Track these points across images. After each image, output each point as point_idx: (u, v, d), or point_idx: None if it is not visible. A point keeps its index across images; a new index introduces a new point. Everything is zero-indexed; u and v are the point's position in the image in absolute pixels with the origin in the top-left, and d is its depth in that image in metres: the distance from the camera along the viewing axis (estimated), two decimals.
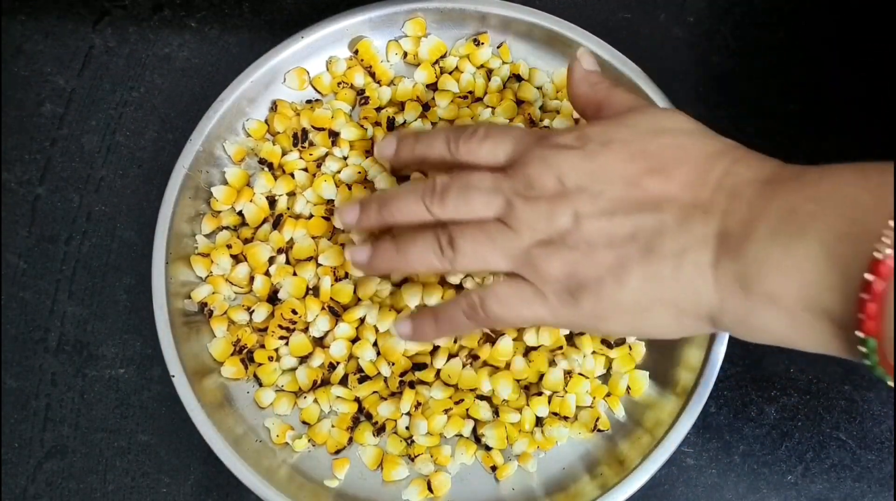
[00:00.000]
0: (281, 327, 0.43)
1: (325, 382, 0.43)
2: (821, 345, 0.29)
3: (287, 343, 0.43)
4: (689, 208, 0.32)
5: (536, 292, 0.34)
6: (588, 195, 0.33)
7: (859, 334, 0.27)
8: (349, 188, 0.45)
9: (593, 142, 0.34)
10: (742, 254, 0.30)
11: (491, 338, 0.43)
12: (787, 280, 0.29)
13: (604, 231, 0.33)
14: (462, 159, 0.37)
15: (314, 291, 0.44)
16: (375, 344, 0.43)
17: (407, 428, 0.42)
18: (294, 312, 0.42)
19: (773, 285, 0.29)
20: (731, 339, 0.40)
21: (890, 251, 0.26)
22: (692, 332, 0.33)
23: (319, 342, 0.43)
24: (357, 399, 0.43)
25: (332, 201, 0.45)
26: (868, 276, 0.26)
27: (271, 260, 0.44)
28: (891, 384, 0.27)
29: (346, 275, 0.44)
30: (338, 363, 0.43)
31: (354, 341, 0.43)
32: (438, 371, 0.42)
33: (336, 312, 0.43)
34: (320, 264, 0.44)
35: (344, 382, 0.43)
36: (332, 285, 0.43)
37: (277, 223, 0.45)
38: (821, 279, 0.28)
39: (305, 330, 0.43)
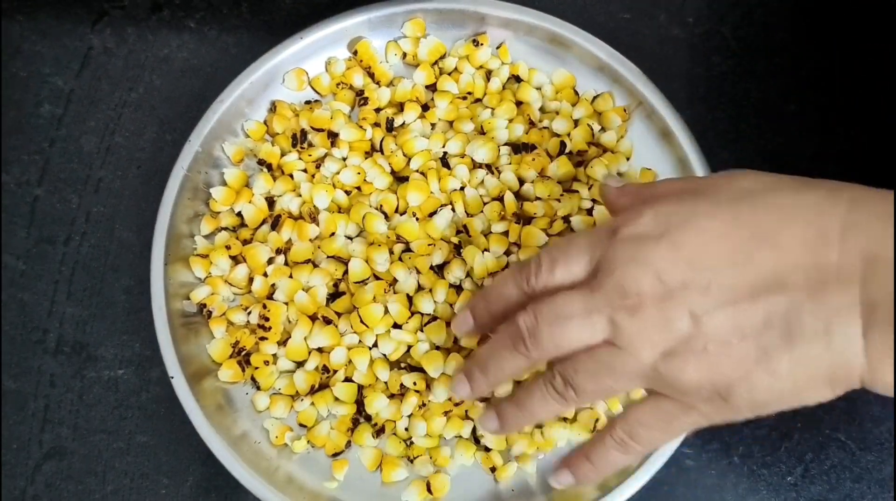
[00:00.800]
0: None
1: (324, 386, 0.43)
2: None
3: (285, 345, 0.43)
4: (817, 275, 0.29)
5: (682, 406, 0.32)
6: (697, 289, 0.30)
7: None
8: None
9: (674, 223, 0.31)
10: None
11: None
12: None
13: (731, 325, 0.29)
14: (540, 292, 0.34)
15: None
16: (376, 345, 0.43)
17: (406, 430, 0.42)
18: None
19: None
20: None
21: None
22: (842, 392, 0.31)
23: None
24: (357, 401, 0.43)
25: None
26: None
27: (270, 261, 0.44)
28: None
29: (337, 286, 0.44)
30: (335, 371, 0.43)
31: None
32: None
33: (330, 320, 0.43)
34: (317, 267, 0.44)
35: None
36: (327, 295, 0.43)
37: (276, 224, 0.45)
38: None
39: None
